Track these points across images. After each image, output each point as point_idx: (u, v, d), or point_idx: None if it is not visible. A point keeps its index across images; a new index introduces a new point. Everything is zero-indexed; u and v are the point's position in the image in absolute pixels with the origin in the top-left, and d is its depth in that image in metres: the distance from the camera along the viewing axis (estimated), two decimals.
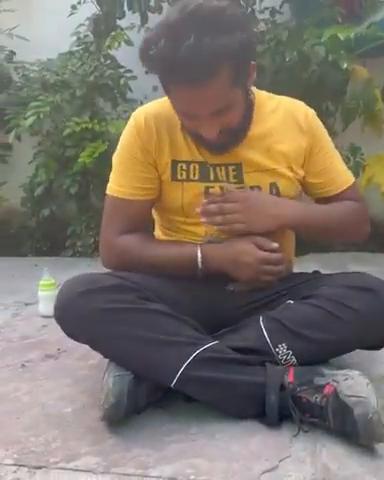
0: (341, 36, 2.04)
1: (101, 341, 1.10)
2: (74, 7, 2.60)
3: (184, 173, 1.20)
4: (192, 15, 0.97)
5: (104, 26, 2.58)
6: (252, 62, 1.08)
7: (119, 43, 2.47)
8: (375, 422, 0.94)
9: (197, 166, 1.20)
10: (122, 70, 2.62)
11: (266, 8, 2.54)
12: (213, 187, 1.20)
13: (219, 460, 0.95)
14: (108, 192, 1.25)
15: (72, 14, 2.60)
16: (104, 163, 2.09)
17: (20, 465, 0.95)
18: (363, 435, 0.95)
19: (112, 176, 1.25)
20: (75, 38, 2.67)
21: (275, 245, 1.16)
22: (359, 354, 1.23)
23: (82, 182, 2.68)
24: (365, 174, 2.39)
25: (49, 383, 1.28)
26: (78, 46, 2.68)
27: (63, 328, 1.13)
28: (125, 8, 2.53)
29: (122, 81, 2.57)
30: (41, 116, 2.46)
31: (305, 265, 1.67)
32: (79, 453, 0.98)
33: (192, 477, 0.91)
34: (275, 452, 0.97)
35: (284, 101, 1.25)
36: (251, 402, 1.06)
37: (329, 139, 1.29)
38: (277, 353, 1.10)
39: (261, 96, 1.23)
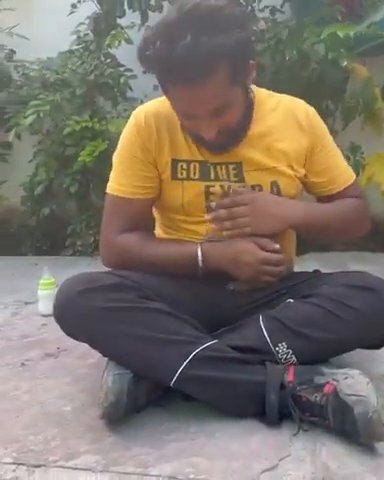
0: (341, 34, 2.04)
1: (100, 340, 1.09)
2: (74, 6, 2.61)
3: (184, 172, 1.20)
4: (189, 14, 0.97)
5: (104, 25, 2.59)
6: (251, 61, 1.08)
7: (119, 42, 2.47)
8: (375, 421, 0.94)
9: (197, 165, 1.20)
10: (122, 69, 2.62)
11: (266, 7, 2.54)
12: (213, 186, 1.20)
13: (219, 459, 0.95)
14: (108, 191, 1.25)
15: (72, 13, 2.60)
16: (104, 162, 2.09)
17: (19, 464, 0.95)
18: (363, 434, 0.95)
19: (112, 175, 1.25)
20: (75, 37, 2.67)
21: (277, 246, 1.17)
22: (359, 353, 1.23)
23: (82, 181, 2.69)
24: (365, 173, 2.38)
25: (49, 382, 1.28)
26: (78, 45, 2.69)
27: (62, 327, 1.13)
28: (125, 7, 2.53)
29: (122, 80, 2.57)
30: (41, 115, 2.46)
31: (305, 264, 1.67)
32: (78, 452, 0.98)
33: (192, 476, 0.91)
34: (275, 451, 0.97)
35: (284, 99, 1.25)
36: (251, 401, 1.06)
37: (330, 137, 1.29)
38: (277, 352, 1.10)
39: (261, 94, 1.23)
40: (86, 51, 2.66)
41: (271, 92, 1.26)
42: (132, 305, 1.08)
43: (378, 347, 1.19)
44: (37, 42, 2.71)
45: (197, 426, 1.05)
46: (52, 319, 1.14)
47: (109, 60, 2.64)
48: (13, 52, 2.88)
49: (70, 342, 1.20)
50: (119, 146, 1.25)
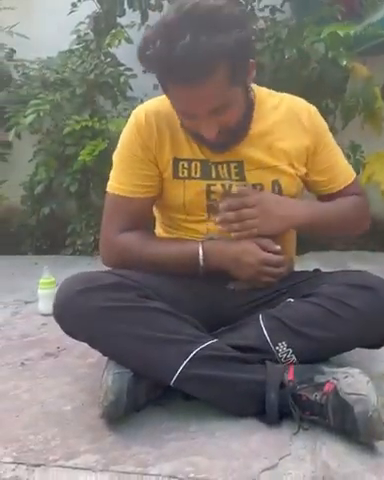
0: (341, 33, 2.04)
1: (100, 339, 1.09)
2: (74, 5, 2.60)
3: (185, 171, 1.20)
4: (188, 14, 0.97)
5: (104, 24, 2.59)
6: (251, 60, 1.08)
7: (119, 41, 2.47)
8: (375, 420, 0.94)
9: (198, 164, 1.20)
10: (122, 68, 2.62)
11: (266, 6, 2.54)
12: (215, 185, 1.20)
13: (219, 458, 0.95)
14: (108, 190, 1.25)
15: (72, 12, 2.60)
16: (104, 161, 2.09)
17: (19, 463, 0.95)
18: (363, 433, 0.94)
19: (112, 174, 1.25)
20: (75, 36, 2.67)
21: (278, 248, 1.17)
22: (359, 352, 1.23)
23: (82, 180, 2.69)
24: (365, 172, 2.38)
25: (48, 381, 1.28)
26: (78, 44, 2.69)
27: (62, 326, 1.13)
28: (125, 6, 2.53)
29: (122, 79, 2.57)
30: (41, 114, 2.46)
31: (306, 263, 1.67)
32: (78, 451, 0.98)
33: (191, 475, 0.90)
34: (275, 450, 0.97)
35: (286, 98, 1.25)
36: (251, 400, 1.06)
37: (331, 135, 1.29)
38: (277, 351, 1.10)
39: (262, 93, 1.23)
40: (86, 50, 2.66)
41: (272, 91, 1.26)
42: (132, 304, 1.08)
43: (378, 346, 1.19)
44: (37, 41, 2.71)
45: (197, 425, 1.05)
46: (52, 318, 1.14)
47: (109, 59, 2.64)
48: (13, 51, 2.87)
49: (70, 341, 1.20)
50: (119, 145, 1.25)
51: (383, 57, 2.42)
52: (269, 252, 1.17)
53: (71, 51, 2.70)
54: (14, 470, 0.93)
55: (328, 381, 1.01)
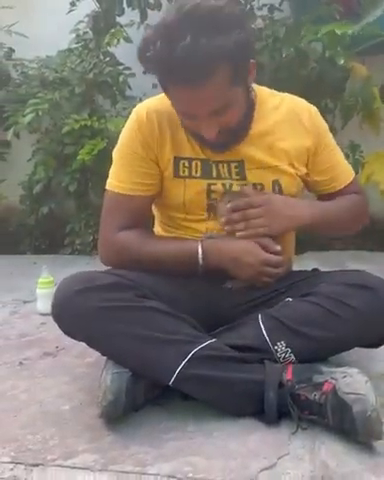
0: (338, 32, 2.04)
1: (98, 339, 1.09)
2: (73, 4, 2.60)
3: (186, 170, 1.20)
4: (189, 15, 0.96)
5: (103, 23, 2.58)
6: (252, 60, 1.08)
7: (118, 40, 2.47)
8: (374, 419, 0.94)
9: (199, 163, 1.19)
10: (121, 67, 2.61)
11: (264, 5, 2.54)
12: (215, 184, 1.20)
13: (217, 458, 0.95)
14: (107, 187, 1.24)
15: (71, 11, 2.59)
16: (103, 160, 2.09)
17: (17, 463, 0.95)
18: (362, 432, 0.94)
19: (112, 171, 1.24)
20: (74, 35, 2.66)
21: (278, 248, 1.17)
22: (358, 352, 1.23)
23: (81, 180, 2.68)
24: (364, 171, 2.38)
25: (47, 381, 1.27)
26: (77, 43, 2.68)
27: (60, 326, 1.13)
28: (124, 5, 2.52)
29: (121, 78, 2.56)
30: (40, 113, 2.46)
31: (304, 263, 1.67)
32: (77, 451, 0.98)
33: (190, 475, 0.90)
34: (273, 450, 0.96)
35: (287, 98, 1.25)
36: (249, 400, 1.05)
37: (330, 134, 1.30)
38: (276, 351, 1.10)
39: (263, 93, 1.23)
40: (85, 49, 2.66)
41: (273, 91, 1.26)
42: (130, 304, 1.08)
43: (377, 346, 1.19)
44: (36, 40, 2.70)
45: (195, 425, 1.05)
46: (51, 318, 1.14)
47: (108, 58, 2.63)
48: (12, 50, 2.87)
49: (68, 341, 1.20)
50: (119, 142, 1.24)
51: (382, 57, 2.42)
52: (269, 252, 1.17)
53: (70, 50, 2.70)
54: (12, 470, 0.93)
55: (327, 381, 1.01)
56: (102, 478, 0.91)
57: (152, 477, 0.90)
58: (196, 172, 1.20)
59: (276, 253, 1.17)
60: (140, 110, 1.21)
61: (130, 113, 1.24)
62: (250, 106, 1.17)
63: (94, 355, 1.25)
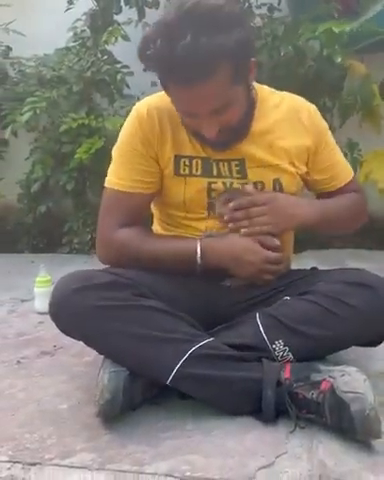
0: (335, 30, 2.04)
1: (95, 338, 1.09)
2: (71, 2, 2.59)
3: (187, 168, 1.19)
4: (189, 14, 0.96)
5: (101, 21, 2.58)
6: (252, 59, 1.07)
7: (116, 38, 2.46)
8: (372, 418, 0.94)
9: (200, 161, 1.19)
10: (119, 66, 2.61)
11: (263, 4, 2.53)
12: (216, 182, 1.19)
13: (215, 456, 0.94)
14: (107, 185, 1.23)
15: (69, 9, 2.59)
16: (101, 159, 2.08)
17: (15, 462, 0.94)
18: (360, 431, 0.94)
19: (111, 168, 1.23)
20: (72, 33, 2.66)
21: (278, 243, 1.17)
22: (356, 351, 1.23)
23: (79, 178, 2.68)
24: (362, 170, 2.38)
25: (45, 380, 1.27)
26: (75, 41, 2.68)
27: (57, 325, 1.12)
28: (122, 3, 2.52)
29: (119, 77, 2.56)
30: (37, 112, 2.45)
31: (303, 262, 1.67)
32: (74, 450, 0.98)
33: (188, 473, 0.90)
34: (271, 448, 0.96)
35: (287, 97, 1.25)
36: (247, 398, 1.05)
37: (330, 132, 1.30)
38: (274, 349, 1.10)
39: (263, 92, 1.23)
40: (83, 48, 2.66)
41: (273, 89, 1.26)
42: (127, 303, 1.07)
43: (375, 344, 1.19)
44: (33, 38, 2.70)
45: (193, 424, 1.05)
46: (48, 317, 1.14)
47: (106, 57, 2.63)
48: (9, 49, 2.87)
49: (66, 340, 1.20)
50: (119, 140, 1.23)
51: (381, 55, 2.42)
52: (269, 248, 1.17)
53: (68, 48, 2.70)
54: (10, 469, 0.93)
55: (325, 379, 1.01)
56: (100, 477, 0.91)
57: (150, 476, 0.90)
58: (197, 170, 1.19)
59: (276, 248, 1.17)
60: (141, 107, 1.21)
61: (128, 112, 1.24)
62: (251, 105, 1.17)
63: (92, 354, 1.25)
